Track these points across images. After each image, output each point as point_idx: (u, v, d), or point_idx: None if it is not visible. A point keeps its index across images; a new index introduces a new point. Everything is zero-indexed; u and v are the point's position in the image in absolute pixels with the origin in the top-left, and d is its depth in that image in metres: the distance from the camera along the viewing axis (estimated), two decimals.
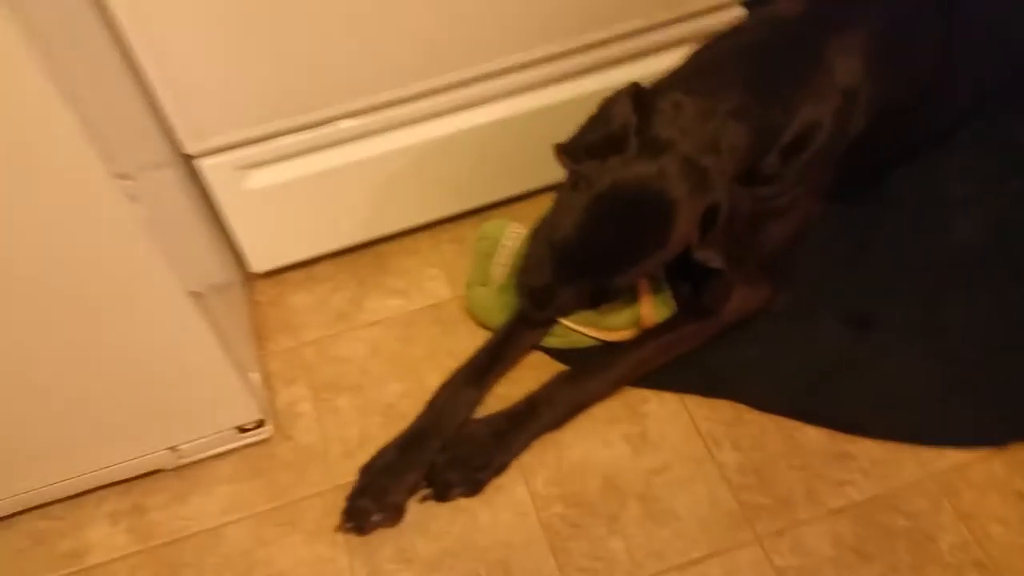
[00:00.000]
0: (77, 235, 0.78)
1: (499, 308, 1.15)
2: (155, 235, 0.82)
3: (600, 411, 1.11)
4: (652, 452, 1.07)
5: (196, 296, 0.90)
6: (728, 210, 0.93)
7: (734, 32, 1.06)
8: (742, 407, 1.09)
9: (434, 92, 1.13)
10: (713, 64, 1.01)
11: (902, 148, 1.22)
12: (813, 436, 1.06)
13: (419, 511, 1.04)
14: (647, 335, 1.10)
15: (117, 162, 0.78)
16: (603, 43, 1.14)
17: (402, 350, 1.19)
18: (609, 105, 0.96)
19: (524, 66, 1.14)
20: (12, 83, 0.66)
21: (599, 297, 1.04)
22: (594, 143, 0.94)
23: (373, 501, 1.00)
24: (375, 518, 1.00)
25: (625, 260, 0.95)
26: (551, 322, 1.11)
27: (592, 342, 1.13)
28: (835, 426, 1.06)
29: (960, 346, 1.09)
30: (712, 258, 0.95)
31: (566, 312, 1.09)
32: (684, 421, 1.09)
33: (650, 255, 0.94)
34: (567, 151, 0.96)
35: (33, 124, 0.70)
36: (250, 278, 1.29)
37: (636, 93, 0.95)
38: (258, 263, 1.25)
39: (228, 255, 1.23)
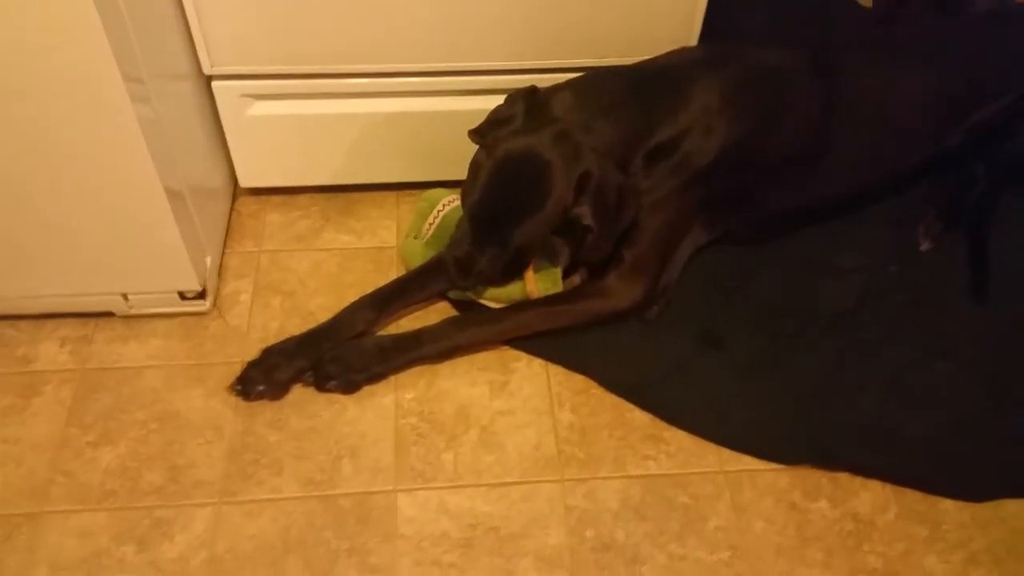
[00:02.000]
0: (80, 118, 1.03)
1: (422, 258, 1.36)
2: (148, 131, 1.07)
3: (478, 359, 1.31)
4: (506, 398, 1.26)
5: (170, 189, 1.15)
6: (599, 179, 1.15)
7: (637, 63, 1.28)
8: (592, 382, 1.28)
9: (423, 74, 1.36)
10: (601, 78, 1.23)
11: (793, 206, 1.39)
12: (639, 417, 1.24)
13: (302, 395, 1.25)
14: (529, 303, 1.30)
15: (134, 65, 1.03)
16: (562, 69, 1.37)
17: (338, 275, 1.42)
18: (511, 97, 1.20)
19: (497, 71, 1.37)
20: None
21: (511, 266, 1.23)
22: (494, 124, 1.18)
23: (262, 374, 1.22)
24: (260, 387, 1.22)
25: (517, 215, 1.16)
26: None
27: None
28: (659, 414, 1.23)
29: (786, 383, 1.26)
30: (584, 215, 1.16)
31: (486, 280, 1.27)
32: (542, 381, 1.28)
33: (536, 211, 1.15)
34: (476, 131, 1.21)
35: (62, 24, 0.93)
36: (240, 191, 1.54)
37: (532, 90, 1.18)
38: (245, 179, 1.49)
39: (225, 167, 1.48)
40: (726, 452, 1.21)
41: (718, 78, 1.24)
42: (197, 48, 1.28)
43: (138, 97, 1.05)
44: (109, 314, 1.34)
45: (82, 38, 0.96)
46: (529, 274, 1.27)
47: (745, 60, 1.27)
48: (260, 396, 1.23)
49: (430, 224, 1.37)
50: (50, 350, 1.30)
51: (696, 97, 1.22)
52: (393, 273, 1.41)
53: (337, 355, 1.24)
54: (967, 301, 1.37)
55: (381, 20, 1.28)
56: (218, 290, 1.38)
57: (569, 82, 1.22)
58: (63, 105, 1.02)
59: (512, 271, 1.26)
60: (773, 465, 1.20)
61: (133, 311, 1.33)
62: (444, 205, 1.38)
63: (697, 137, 1.22)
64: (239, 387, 1.23)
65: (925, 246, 1.44)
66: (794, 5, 1.87)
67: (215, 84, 1.34)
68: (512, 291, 1.28)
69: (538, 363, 1.30)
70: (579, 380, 1.28)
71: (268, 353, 1.25)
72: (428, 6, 1.27)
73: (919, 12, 1.53)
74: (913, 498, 1.17)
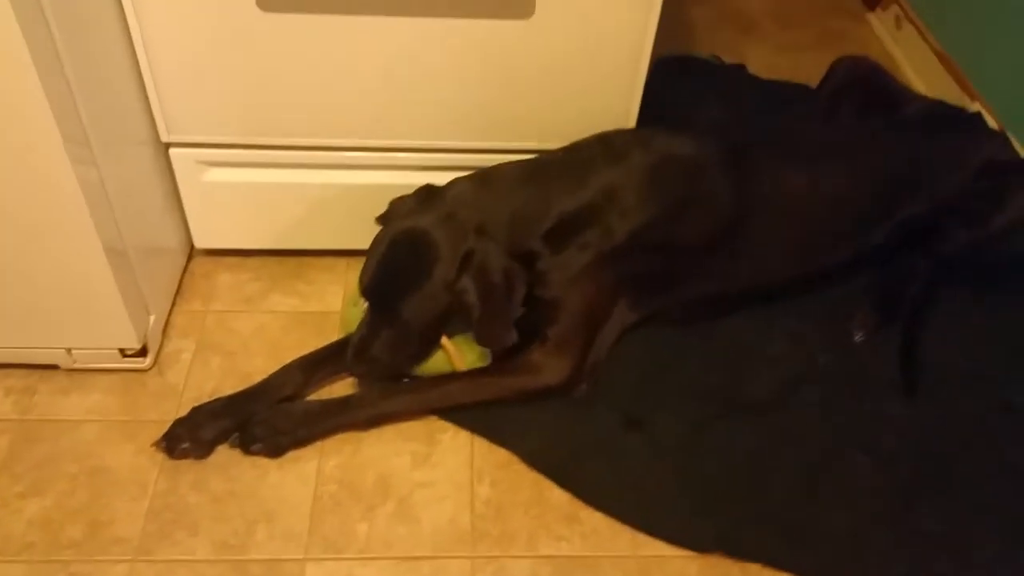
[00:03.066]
0: (21, 177, 1.08)
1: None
2: (89, 193, 1.12)
3: (405, 427, 1.33)
4: (428, 470, 1.28)
5: (111, 249, 1.20)
6: (482, 258, 1.20)
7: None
8: (515, 457, 1.29)
9: (373, 149, 1.42)
10: (499, 168, 1.30)
11: (714, 292, 1.42)
12: (558, 496, 1.25)
13: (228, 457, 1.27)
14: (457, 375, 1.32)
15: (78, 130, 1.09)
16: (506, 151, 1.42)
17: (279, 338, 1.45)
18: (415, 191, 1.30)
19: (444, 149, 1.42)
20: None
21: (407, 348, 1.27)
22: (393, 210, 1.29)
23: (187, 432, 1.25)
24: (184, 445, 1.25)
25: (403, 291, 1.21)
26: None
27: None
28: (577, 494, 1.25)
29: (704, 468, 1.27)
30: (467, 290, 1.21)
31: (381, 367, 1.27)
32: (465, 454, 1.30)
33: (420, 286, 1.21)
34: (380, 217, 1.30)
35: (4, 89, 0.99)
36: (196, 251, 1.59)
37: (431, 185, 1.30)
38: (199, 240, 1.54)
39: (181, 227, 1.53)
40: (641, 536, 1.21)
41: (621, 166, 1.29)
42: (155, 117, 1.34)
43: (81, 160, 1.11)
44: (55, 367, 1.37)
45: (24, 103, 1.02)
46: (450, 348, 1.30)
47: (652, 148, 1.32)
48: (184, 454, 1.25)
49: None
50: None
51: (595, 183, 1.28)
52: (334, 338, 1.44)
53: (264, 418, 1.27)
54: (895, 395, 1.38)
55: (333, 99, 1.34)
56: (161, 348, 1.42)
57: (467, 175, 1.30)
58: (4, 163, 1.07)
59: (410, 353, 1.29)
60: (685, 552, 1.20)
61: (77, 365, 1.36)
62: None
63: (601, 221, 1.27)
64: (164, 444, 1.25)
65: (858, 337, 1.46)
66: (752, 98, 1.94)
67: (172, 151, 1.40)
68: (438, 363, 1.31)
69: (464, 435, 1.33)
70: (502, 454, 1.30)
71: (195, 412, 1.28)
72: (377, 88, 1.32)
73: (856, 111, 1.58)
74: None
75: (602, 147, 1.32)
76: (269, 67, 1.28)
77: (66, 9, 1.06)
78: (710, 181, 1.34)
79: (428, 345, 1.29)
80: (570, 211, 1.27)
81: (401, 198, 1.31)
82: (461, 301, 1.22)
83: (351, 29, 1.24)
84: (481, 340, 1.27)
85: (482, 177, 1.29)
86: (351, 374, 1.33)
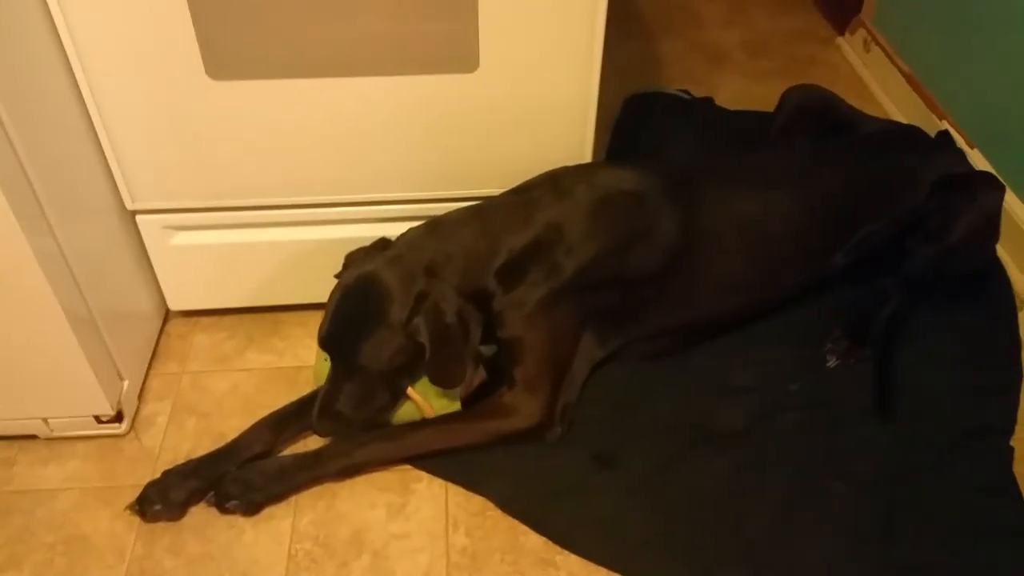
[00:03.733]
0: None
1: None
2: (46, 264, 1.15)
3: (379, 478, 1.33)
4: (403, 521, 1.28)
5: (75, 316, 1.22)
6: (435, 299, 1.21)
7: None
8: (490, 503, 1.29)
9: (334, 204, 1.44)
10: (449, 213, 1.33)
11: (676, 324, 1.43)
12: (533, 541, 1.25)
13: (203, 518, 1.28)
14: (428, 422, 1.33)
15: (30, 203, 1.11)
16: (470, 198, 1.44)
17: (254, 396, 1.46)
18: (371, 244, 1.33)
19: (404, 201, 1.45)
20: None
21: (371, 400, 1.27)
22: (348, 263, 1.32)
23: (158, 494, 1.26)
24: (156, 507, 1.25)
25: (358, 337, 1.22)
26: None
27: None
28: (551, 537, 1.24)
29: (676, 503, 1.27)
30: (419, 332, 1.21)
31: (345, 423, 1.27)
32: (440, 503, 1.30)
33: (375, 330, 1.22)
34: (337, 273, 1.32)
35: None
36: (171, 313, 1.61)
37: (385, 238, 1.32)
38: (173, 303, 1.56)
39: (155, 291, 1.55)
40: None
41: (565, 203, 1.31)
42: (119, 186, 1.37)
43: (35, 231, 1.13)
44: (34, 436, 1.39)
45: None
46: (416, 397, 1.31)
47: (596, 184, 1.34)
48: (157, 516, 1.26)
49: None
50: None
51: (540, 220, 1.29)
52: (307, 391, 1.45)
53: (238, 475, 1.28)
54: (871, 420, 1.38)
55: (290, 159, 1.36)
56: (137, 412, 1.43)
57: (420, 223, 1.32)
58: None
59: (376, 406, 1.29)
60: None
61: (55, 434, 1.38)
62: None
63: (548, 258, 1.29)
64: (137, 507, 1.26)
65: (831, 363, 1.46)
66: (721, 131, 1.96)
67: (139, 218, 1.42)
68: (408, 413, 1.32)
69: (438, 483, 1.33)
70: (477, 501, 1.30)
71: (166, 474, 1.29)
72: (331, 146, 1.35)
73: (810, 138, 1.59)
74: None
75: (550, 184, 1.34)
76: (225, 132, 1.31)
77: (14, 85, 1.09)
78: (653, 213, 1.35)
79: (393, 396, 1.30)
80: (518, 248, 1.28)
81: (356, 251, 1.34)
82: (415, 342, 1.22)
83: (301, 92, 1.27)
84: (434, 379, 1.28)
85: (432, 223, 1.31)
86: (318, 434, 1.33)
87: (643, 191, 1.35)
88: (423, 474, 1.34)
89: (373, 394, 1.26)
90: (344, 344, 1.24)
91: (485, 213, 1.31)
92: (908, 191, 1.45)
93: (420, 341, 1.22)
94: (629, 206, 1.34)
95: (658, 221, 1.35)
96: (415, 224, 1.35)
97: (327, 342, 1.26)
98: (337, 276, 1.32)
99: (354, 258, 1.32)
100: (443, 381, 1.28)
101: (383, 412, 1.31)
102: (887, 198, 1.45)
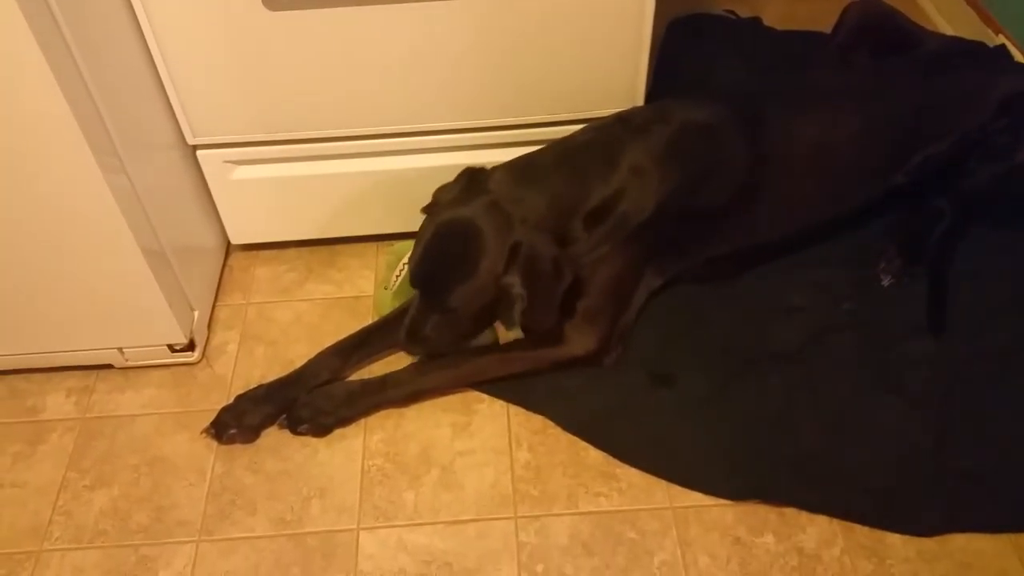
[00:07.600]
0: (57, 190, 1.15)
1: (390, 307, 1.45)
2: (122, 200, 1.18)
3: (443, 401, 1.38)
4: (467, 439, 1.33)
5: (149, 251, 1.26)
6: (529, 250, 1.21)
7: (574, 133, 1.36)
8: (550, 422, 1.34)
9: (391, 135, 1.46)
10: (533, 155, 1.32)
11: (738, 248, 1.44)
12: (594, 456, 1.30)
13: (278, 439, 1.34)
14: (488, 349, 1.37)
15: (106, 140, 1.14)
16: (521, 126, 1.45)
17: (318, 324, 1.51)
18: (456, 177, 1.31)
19: (459, 130, 1.46)
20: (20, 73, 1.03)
21: (456, 333, 1.31)
22: (437, 199, 1.30)
23: (233, 419, 1.32)
24: (231, 431, 1.31)
25: (450, 282, 1.24)
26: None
27: None
28: (611, 452, 1.29)
29: (733, 419, 1.30)
30: (514, 284, 1.23)
31: (432, 346, 1.31)
32: (502, 423, 1.35)
33: (467, 278, 1.22)
34: (425, 207, 1.32)
35: (35, 112, 1.06)
36: (233, 247, 1.65)
37: (470, 170, 1.30)
38: (235, 237, 1.61)
39: (217, 226, 1.59)
40: (675, 488, 1.25)
41: (643, 142, 1.31)
42: (180, 122, 1.40)
43: (110, 168, 1.17)
44: (109, 366, 1.45)
45: (52, 120, 1.08)
46: (499, 327, 1.36)
47: (670, 121, 1.33)
48: (232, 439, 1.32)
49: (397, 275, 1.45)
50: (56, 401, 1.42)
51: (624, 162, 1.29)
52: (369, 321, 1.49)
53: (308, 400, 1.33)
54: (924, 336, 1.39)
55: (348, 90, 1.38)
56: (208, 341, 1.49)
57: (505, 162, 1.32)
58: (43, 180, 1.14)
59: (460, 337, 1.32)
60: (720, 500, 1.24)
61: (130, 363, 1.44)
62: (408, 257, 1.46)
63: (631, 198, 1.29)
64: (212, 431, 1.32)
65: (886, 282, 1.47)
66: (770, 52, 1.93)
67: (199, 153, 1.45)
68: (485, 338, 1.37)
69: (499, 404, 1.37)
70: (537, 420, 1.35)
71: (239, 400, 1.34)
72: (390, 75, 1.36)
73: (871, 55, 1.56)
74: (860, 533, 1.20)
75: (623, 125, 1.33)
76: (284, 64, 1.33)
77: (82, 27, 1.11)
78: (727, 143, 1.35)
79: (477, 329, 1.33)
80: (603, 195, 1.29)
81: (444, 186, 1.32)
82: (508, 294, 1.24)
83: (359, 20, 1.27)
84: (527, 327, 1.31)
85: (518, 165, 1.30)
86: (407, 353, 1.37)
87: (714, 124, 1.35)
88: (484, 396, 1.38)
89: (458, 327, 1.29)
90: (436, 285, 1.25)
91: (570, 158, 1.30)
92: (974, 110, 1.43)
93: (513, 293, 1.23)
94: (703, 141, 1.35)
95: (729, 153, 1.35)
96: (474, 155, 1.35)
97: (419, 281, 1.27)
98: (425, 211, 1.31)
99: (444, 194, 1.30)
100: (534, 327, 1.31)
101: (467, 339, 1.34)
102: (952, 117, 1.43)
